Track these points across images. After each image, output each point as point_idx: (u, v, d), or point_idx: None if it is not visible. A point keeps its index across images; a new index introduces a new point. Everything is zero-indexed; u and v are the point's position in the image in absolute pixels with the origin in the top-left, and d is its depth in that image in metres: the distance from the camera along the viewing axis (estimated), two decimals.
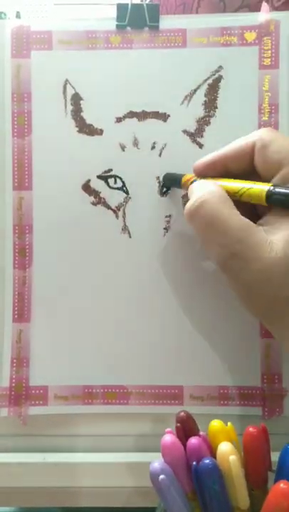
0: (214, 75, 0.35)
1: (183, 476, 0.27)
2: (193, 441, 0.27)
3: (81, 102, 0.36)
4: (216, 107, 0.35)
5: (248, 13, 0.36)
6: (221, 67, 0.35)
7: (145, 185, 0.36)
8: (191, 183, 0.31)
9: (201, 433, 0.28)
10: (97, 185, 0.36)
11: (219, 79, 0.35)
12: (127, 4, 0.36)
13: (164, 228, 0.36)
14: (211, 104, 0.35)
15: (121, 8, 0.36)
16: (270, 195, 0.27)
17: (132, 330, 0.35)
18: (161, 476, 0.26)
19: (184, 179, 0.32)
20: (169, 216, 0.35)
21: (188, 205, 0.29)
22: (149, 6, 0.35)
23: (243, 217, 0.27)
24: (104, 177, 0.36)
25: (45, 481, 0.34)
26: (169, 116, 0.36)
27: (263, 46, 0.35)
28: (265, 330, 0.35)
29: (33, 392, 0.35)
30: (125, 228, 0.36)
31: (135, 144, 0.36)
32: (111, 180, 0.36)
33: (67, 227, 0.36)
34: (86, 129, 0.36)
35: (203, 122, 0.35)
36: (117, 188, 0.36)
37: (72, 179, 0.36)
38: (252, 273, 0.26)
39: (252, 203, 0.29)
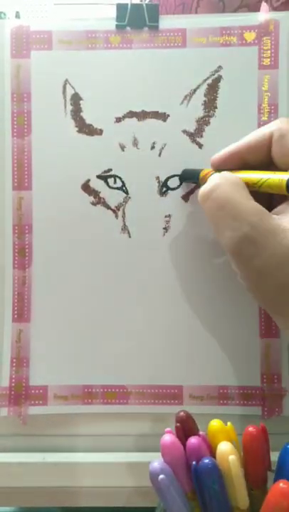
0: (214, 74, 0.35)
1: (182, 476, 0.27)
2: (192, 441, 0.27)
3: (81, 102, 0.36)
4: (216, 107, 0.35)
5: (247, 13, 0.36)
6: (220, 67, 0.35)
7: (145, 185, 0.36)
8: (211, 175, 0.31)
9: (200, 433, 0.28)
10: (97, 185, 0.36)
11: (219, 79, 0.35)
12: (127, 4, 0.36)
13: (164, 228, 0.36)
14: (210, 104, 0.35)
15: (120, 8, 0.36)
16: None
17: (131, 330, 0.35)
18: (161, 476, 0.26)
19: (202, 173, 0.32)
20: (169, 216, 0.35)
21: (202, 188, 0.29)
22: (149, 5, 0.35)
23: (256, 202, 0.27)
24: (103, 177, 0.36)
25: (44, 480, 0.34)
26: (168, 116, 0.36)
27: (262, 46, 0.35)
28: (265, 330, 0.35)
29: (33, 391, 0.35)
30: (125, 228, 0.36)
31: (135, 143, 0.36)
32: (111, 180, 0.36)
33: (67, 227, 0.36)
34: (86, 129, 0.36)
35: (202, 122, 0.35)
36: (117, 188, 0.36)
37: (72, 179, 0.36)
38: (263, 259, 0.26)
39: (270, 194, 0.28)
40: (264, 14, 0.35)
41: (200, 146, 0.35)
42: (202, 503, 0.26)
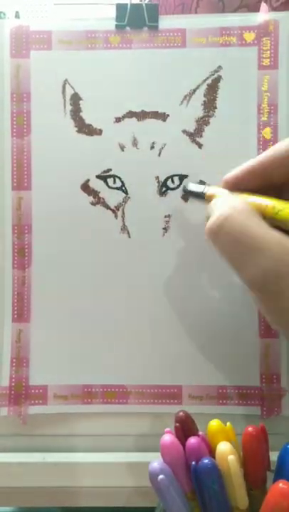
0: (213, 75, 0.35)
1: (182, 476, 0.27)
2: (192, 441, 0.27)
3: (80, 102, 0.36)
4: (216, 107, 0.35)
5: (247, 13, 0.36)
6: (220, 67, 0.35)
7: (144, 185, 0.36)
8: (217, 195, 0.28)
9: (200, 433, 0.28)
10: (97, 185, 0.36)
11: (218, 79, 0.35)
12: (126, 4, 0.36)
13: (163, 228, 0.36)
14: (210, 104, 0.35)
15: (120, 8, 0.36)
16: None
17: (131, 330, 0.35)
18: (161, 476, 0.26)
19: (208, 194, 0.29)
20: (168, 216, 0.35)
21: (210, 222, 0.25)
22: (148, 5, 0.35)
23: (274, 230, 0.24)
24: (103, 177, 0.36)
25: (44, 480, 0.34)
26: (168, 116, 0.36)
27: (262, 46, 0.35)
28: (264, 330, 0.35)
29: (33, 391, 0.35)
30: (124, 228, 0.36)
31: (134, 143, 0.36)
32: (110, 180, 0.36)
33: (67, 227, 0.36)
34: (85, 128, 0.36)
35: (202, 122, 0.35)
36: (116, 188, 0.36)
37: (72, 179, 0.36)
38: None
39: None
40: (264, 14, 0.35)
41: (200, 146, 0.35)
42: (202, 503, 0.26)
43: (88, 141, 0.36)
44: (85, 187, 0.36)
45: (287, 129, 0.35)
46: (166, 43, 0.35)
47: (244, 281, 0.25)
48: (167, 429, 0.28)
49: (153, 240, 0.36)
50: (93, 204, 0.36)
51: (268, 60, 0.35)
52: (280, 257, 0.23)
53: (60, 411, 0.35)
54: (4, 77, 0.36)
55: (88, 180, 0.36)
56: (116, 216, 0.36)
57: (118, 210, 0.36)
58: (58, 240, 0.36)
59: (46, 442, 0.35)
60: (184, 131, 0.36)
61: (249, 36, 0.35)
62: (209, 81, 0.35)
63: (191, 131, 0.36)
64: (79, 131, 0.36)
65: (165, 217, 0.35)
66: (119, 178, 0.36)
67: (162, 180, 0.36)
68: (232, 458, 0.26)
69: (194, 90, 0.35)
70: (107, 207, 0.36)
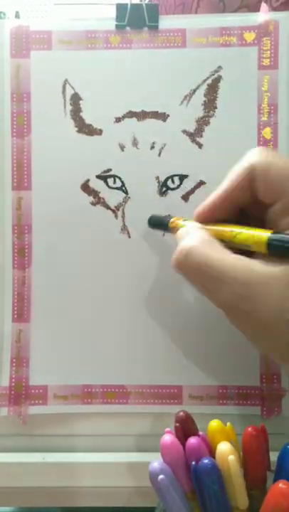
0: (213, 75, 0.35)
1: (182, 476, 0.27)
2: (192, 441, 0.27)
3: (80, 101, 0.36)
4: (216, 107, 0.35)
5: (247, 13, 0.36)
6: (220, 67, 0.35)
7: (144, 185, 0.36)
8: (178, 226, 0.30)
9: (200, 433, 0.28)
10: (97, 185, 0.36)
11: (218, 79, 0.35)
12: (127, 4, 0.36)
13: None
14: (210, 104, 0.35)
15: (120, 8, 0.36)
16: (271, 243, 0.24)
17: (131, 330, 0.35)
18: (161, 476, 0.26)
19: (171, 223, 0.31)
20: (168, 216, 0.35)
21: (174, 256, 0.27)
22: (149, 6, 0.35)
23: (236, 255, 0.25)
24: (103, 177, 0.36)
25: (44, 480, 0.34)
26: (168, 116, 0.36)
27: (262, 46, 0.35)
28: None
29: (33, 391, 0.35)
30: (124, 228, 0.36)
31: (134, 143, 0.36)
32: (110, 180, 0.36)
33: (67, 227, 0.36)
34: (85, 128, 0.36)
35: (202, 122, 0.35)
36: (117, 188, 0.36)
37: (72, 179, 0.36)
38: (262, 311, 0.24)
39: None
40: (264, 14, 0.35)
41: (200, 146, 0.35)
42: (202, 503, 0.26)
43: (88, 141, 0.36)
44: (85, 187, 0.36)
45: (287, 129, 0.35)
46: (167, 43, 0.35)
47: (216, 305, 0.26)
48: (167, 429, 0.28)
49: (153, 240, 0.35)
50: (93, 204, 0.36)
51: (268, 60, 0.35)
52: (243, 281, 0.24)
53: (60, 411, 0.35)
54: (4, 77, 0.36)
55: (88, 180, 0.36)
56: (116, 216, 0.36)
57: (118, 210, 0.36)
58: (58, 240, 0.36)
59: (46, 442, 0.35)
60: (184, 131, 0.36)
61: (249, 36, 0.35)
62: (209, 81, 0.35)
63: (191, 131, 0.36)
64: (79, 131, 0.36)
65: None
66: (120, 178, 0.36)
67: (162, 180, 0.36)
68: (232, 458, 0.26)
69: (194, 90, 0.35)
70: (107, 207, 0.36)
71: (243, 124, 0.35)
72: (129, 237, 0.36)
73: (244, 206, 0.28)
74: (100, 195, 0.36)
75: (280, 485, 0.23)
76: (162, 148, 0.35)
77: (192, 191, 0.35)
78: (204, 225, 0.28)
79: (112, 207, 0.36)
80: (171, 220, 0.32)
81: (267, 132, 0.35)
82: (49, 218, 0.36)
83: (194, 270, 0.26)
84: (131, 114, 0.36)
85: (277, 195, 0.26)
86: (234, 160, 0.35)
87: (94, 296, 0.36)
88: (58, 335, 0.36)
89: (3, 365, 0.36)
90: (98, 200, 0.36)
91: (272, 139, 0.35)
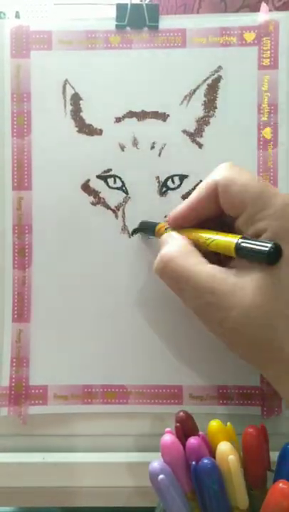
0: (214, 75, 0.35)
1: (182, 476, 0.27)
2: (192, 441, 0.27)
3: (80, 102, 0.36)
4: (216, 107, 0.35)
5: (247, 13, 0.36)
6: (220, 67, 0.35)
7: (144, 185, 0.36)
8: (165, 230, 0.32)
9: (200, 433, 0.28)
10: (97, 185, 0.36)
11: (219, 79, 0.35)
12: (127, 4, 0.36)
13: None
14: (210, 104, 0.35)
15: (120, 8, 0.36)
16: (239, 248, 0.26)
17: (131, 329, 0.35)
18: (161, 476, 0.26)
19: (157, 228, 0.33)
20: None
21: (155, 263, 0.29)
22: (149, 6, 0.35)
23: (210, 265, 0.27)
24: (103, 177, 0.36)
25: (44, 480, 0.34)
26: (168, 116, 0.36)
27: (262, 46, 0.35)
28: None
29: (33, 391, 0.35)
30: (125, 228, 0.36)
31: (135, 143, 0.36)
32: (110, 180, 0.36)
33: (67, 227, 0.36)
34: (85, 129, 0.36)
35: (202, 122, 0.35)
36: (117, 188, 0.36)
37: (72, 179, 0.36)
38: (231, 319, 0.26)
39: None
40: (264, 15, 0.35)
41: (200, 146, 0.36)
42: (202, 503, 0.26)
43: (88, 141, 0.36)
44: (86, 187, 0.36)
45: (287, 129, 0.35)
46: (167, 43, 0.35)
47: (191, 311, 0.29)
48: (167, 429, 0.28)
49: (153, 240, 0.35)
50: (93, 204, 0.36)
51: (268, 60, 0.35)
52: (214, 290, 0.26)
53: (60, 411, 0.35)
54: (4, 77, 0.36)
55: (89, 180, 0.36)
56: (116, 216, 0.36)
57: (118, 210, 0.36)
58: (58, 240, 0.36)
59: (46, 442, 0.35)
60: (184, 131, 0.36)
61: (249, 36, 0.35)
62: (209, 81, 0.35)
63: (192, 131, 0.36)
64: (79, 131, 0.36)
65: (165, 217, 0.35)
66: (120, 178, 0.36)
67: (162, 180, 0.36)
68: (232, 458, 0.26)
69: (194, 90, 0.35)
70: (108, 207, 0.36)
71: (243, 124, 0.35)
72: (130, 237, 0.36)
73: (215, 216, 0.30)
74: (101, 195, 0.36)
75: (280, 485, 0.23)
76: (162, 148, 0.35)
77: (192, 191, 0.35)
78: (184, 229, 0.30)
79: (113, 207, 0.36)
80: (158, 227, 0.33)
81: (267, 132, 0.35)
82: (49, 218, 0.36)
83: (171, 278, 0.29)
84: (131, 114, 0.36)
85: (239, 208, 0.27)
86: (234, 160, 0.35)
87: (94, 296, 0.36)
88: (58, 335, 0.36)
89: (3, 365, 0.36)
90: (98, 200, 0.36)
91: (272, 139, 0.35)
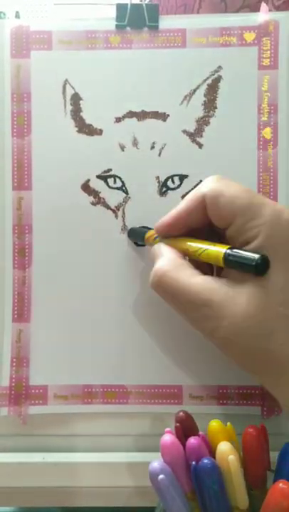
0: (213, 75, 0.35)
1: (182, 476, 0.27)
2: (192, 441, 0.27)
3: (80, 102, 0.36)
4: (216, 107, 0.35)
5: (247, 13, 0.36)
6: (220, 67, 0.35)
7: (145, 185, 0.36)
8: (154, 239, 0.32)
9: (200, 433, 0.28)
10: (97, 185, 0.36)
11: (218, 79, 0.35)
12: (127, 4, 0.36)
13: None
14: (210, 104, 0.35)
15: (120, 8, 0.36)
16: (226, 259, 0.26)
17: (131, 329, 0.35)
18: (161, 476, 0.26)
19: (146, 235, 0.33)
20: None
21: (150, 279, 0.30)
22: (149, 6, 0.35)
23: (202, 276, 0.28)
24: (103, 177, 0.36)
25: (44, 480, 0.34)
26: (168, 116, 0.36)
27: (262, 46, 0.35)
28: None
29: (33, 391, 0.35)
30: (125, 228, 0.36)
31: (135, 143, 0.36)
32: (110, 180, 0.36)
33: (67, 227, 0.36)
34: (85, 128, 0.36)
35: (202, 122, 0.35)
36: (117, 188, 0.36)
37: (72, 179, 0.36)
38: (224, 329, 0.26)
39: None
40: (264, 15, 0.35)
41: (200, 146, 0.36)
42: (202, 503, 0.26)
43: (88, 141, 0.36)
44: (86, 187, 0.36)
45: (287, 129, 0.35)
46: (167, 43, 0.35)
47: (187, 322, 0.29)
48: (167, 429, 0.28)
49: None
50: (93, 204, 0.36)
51: (268, 60, 0.35)
52: (207, 302, 0.26)
53: (60, 411, 0.35)
54: (4, 77, 0.36)
55: (89, 180, 0.36)
56: (116, 216, 0.36)
57: (118, 210, 0.36)
58: (58, 240, 0.36)
59: (46, 442, 0.35)
60: (184, 131, 0.36)
61: (249, 36, 0.35)
62: (209, 81, 0.35)
63: (192, 131, 0.36)
64: (79, 131, 0.36)
65: None
66: (120, 178, 0.36)
67: (162, 180, 0.36)
68: (232, 458, 0.26)
69: (194, 90, 0.35)
70: (108, 207, 0.36)
71: (243, 124, 0.35)
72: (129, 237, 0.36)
73: (203, 226, 0.30)
74: (101, 195, 0.36)
75: (280, 485, 0.23)
76: (162, 148, 0.35)
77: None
78: (174, 239, 0.31)
79: (113, 207, 0.36)
80: (147, 235, 0.33)
81: (267, 132, 0.35)
82: (49, 218, 0.36)
83: (166, 292, 0.29)
84: (131, 114, 0.36)
85: (228, 220, 0.27)
86: (234, 160, 0.35)
87: (94, 296, 0.36)
88: (58, 335, 0.36)
89: (3, 365, 0.36)
90: (98, 200, 0.36)
91: (272, 139, 0.35)
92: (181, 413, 0.29)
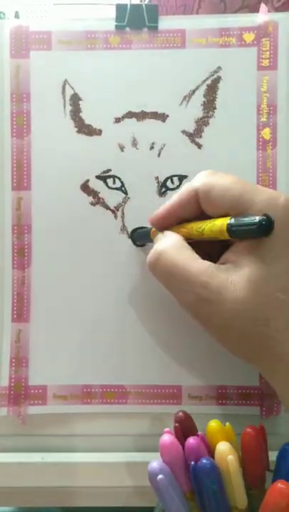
0: (213, 75, 0.35)
1: (181, 476, 0.27)
2: (191, 441, 0.27)
3: (80, 102, 0.36)
4: (215, 108, 0.35)
5: (246, 14, 0.36)
6: (219, 67, 0.35)
7: (144, 185, 0.36)
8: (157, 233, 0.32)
9: (199, 433, 0.28)
10: (96, 185, 0.36)
11: (218, 80, 0.35)
12: (126, 5, 0.36)
13: None
14: (209, 104, 0.35)
15: (120, 9, 0.36)
16: (230, 228, 0.26)
17: (130, 330, 0.36)
18: (160, 476, 0.26)
19: (150, 232, 0.33)
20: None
21: (148, 257, 0.30)
22: (148, 6, 0.35)
23: (202, 260, 0.28)
24: (103, 177, 0.36)
25: (44, 480, 0.34)
26: (167, 116, 0.36)
27: (261, 47, 0.35)
28: None
29: (32, 391, 0.35)
30: (124, 228, 0.36)
31: (134, 144, 0.36)
32: (110, 181, 0.36)
33: (66, 228, 0.36)
34: (85, 129, 0.36)
35: (202, 123, 0.35)
36: (116, 188, 0.36)
37: (71, 179, 0.36)
38: (221, 315, 0.26)
39: (212, 244, 0.29)
40: (263, 15, 0.35)
41: (199, 146, 0.36)
42: (201, 503, 0.26)
43: (88, 141, 0.36)
44: (85, 187, 0.36)
45: (286, 130, 0.35)
46: (166, 44, 0.35)
47: (181, 306, 0.29)
48: (166, 429, 0.28)
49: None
50: (93, 204, 0.36)
51: (268, 60, 0.35)
52: (205, 284, 0.26)
53: (59, 411, 0.35)
54: (4, 78, 0.36)
55: (88, 181, 0.36)
56: (116, 216, 0.36)
57: (118, 210, 0.36)
58: (57, 240, 0.36)
59: (46, 442, 0.35)
60: (184, 132, 0.36)
61: (248, 37, 0.35)
62: (209, 82, 0.35)
63: (191, 131, 0.36)
64: (79, 131, 0.36)
65: None
66: (119, 179, 0.36)
67: (162, 180, 0.36)
68: (231, 458, 0.26)
69: (194, 91, 0.35)
70: (107, 207, 0.36)
71: (243, 124, 0.35)
72: (129, 237, 0.36)
73: (195, 218, 0.30)
74: (100, 195, 0.36)
75: (279, 485, 0.23)
76: (162, 148, 0.36)
77: None
78: (178, 225, 0.31)
79: (112, 207, 0.36)
80: (152, 229, 0.33)
81: (266, 133, 0.35)
82: (49, 218, 0.36)
83: (163, 272, 0.29)
84: (130, 115, 0.36)
85: (221, 212, 0.28)
86: (233, 160, 0.35)
87: (93, 296, 0.36)
88: (57, 335, 0.36)
89: (2, 365, 0.36)
90: (98, 201, 0.36)
91: (271, 140, 0.35)
92: (180, 413, 0.29)
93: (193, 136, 0.36)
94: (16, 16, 0.36)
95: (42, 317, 0.36)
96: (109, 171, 0.36)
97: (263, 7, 0.35)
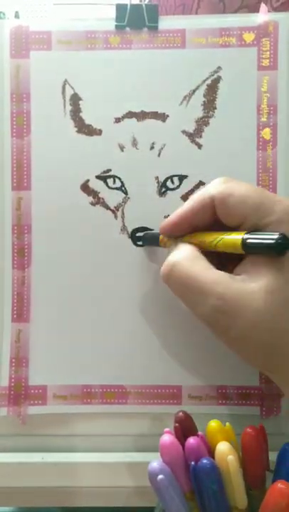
0: (213, 75, 0.35)
1: (181, 476, 0.27)
2: (191, 441, 0.27)
3: (80, 102, 0.36)
4: (215, 108, 0.35)
5: (246, 14, 0.36)
6: (219, 67, 0.35)
7: (144, 185, 0.36)
8: (168, 240, 0.31)
9: (199, 433, 0.28)
10: (96, 185, 0.36)
11: (218, 79, 0.35)
12: (126, 5, 0.36)
13: None
14: (209, 104, 0.35)
15: (120, 9, 0.36)
16: (245, 243, 0.26)
17: (130, 329, 0.36)
18: (160, 476, 0.26)
19: (160, 238, 0.32)
20: (168, 216, 0.35)
21: (162, 268, 0.29)
22: (148, 6, 0.35)
23: (217, 270, 0.27)
24: (103, 177, 0.36)
25: (44, 480, 0.34)
26: (168, 116, 0.36)
27: (261, 47, 0.35)
28: None
29: (32, 391, 0.35)
30: (124, 228, 0.36)
31: (134, 144, 0.36)
32: (110, 181, 0.36)
33: (66, 228, 0.36)
34: (85, 129, 0.36)
35: (202, 123, 0.35)
36: (116, 188, 0.36)
37: (71, 179, 0.36)
38: (239, 326, 0.26)
39: (227, 253, 0.28)
40: (263, 15, 0.35)
41: (199, 146, 0.36)
42: (201, 503, 0.26)
43: (88, 141, 0.36)
44: (85, 187, 0.36)
45: (286, 130, 0.35)
46: (166, 44, 0.35)
47: (197, 318, 0.28)
48: (167, 429, 0.28)
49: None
50: (93, 204, 0.36)
51: (268, 60, 0.35)
52: (221, 295, 0.26)
53: (59, 411, 0.35)
54: (4, 78, 0.36)
55: (88, 181, 0.36)
56: (116, 216, 0.36)
57: (118, 210, 0.36)
58: (57, 240, 0.36)
59: (46, 442, 0.35)
60: (184, 132, 0.36)
61: (249, 37, 0.35)
62: (209, 81, 0.35)
63: (191, 131, 0.36)
64: (79, 131, 0.36)
65: (165, 217, 0.35)
66: (119, 179, 0.36)
67: (162, 180, 0.36)
68: (231, 458, 0.26)
69: (194, 91, 0.35)
70: (107, 207, 0.36)
71: (243, 124, 0.35)
72: (129, 237, 0.36)
73: (208, 226, 0.30)
74: (100, 195, 0.36)
75: (279, 485, 0.23)
76: (162, 148, 0.36)
77: (191, 192, 0.35)
78: (191, 235, 0.30)
79: (112, 207, 0.36)
80: (161, 237, 0.33)
81: (266, 133, 0.35)
82: (49, 218, 0.36)
83: (177, 283, 0.28)
84: (130, 115, 0.36)
85: (239, 219, 0.27)
86: (234, 160, 0.35)
87: (93, 296, 0.36)
88: (57, 335, 0.36)
89: (2, 365, 0.36)
90: (98, 201, 0.36)
91: (271, 140, 0.35)
92: (181, 413, 0.29)
93: (194, 136, 0.36)
94: (16, 16, 0.36)
95: (42, 317, 0.36)
96: (109, 170, 0.36)
97: (263, 7, 0.35)
